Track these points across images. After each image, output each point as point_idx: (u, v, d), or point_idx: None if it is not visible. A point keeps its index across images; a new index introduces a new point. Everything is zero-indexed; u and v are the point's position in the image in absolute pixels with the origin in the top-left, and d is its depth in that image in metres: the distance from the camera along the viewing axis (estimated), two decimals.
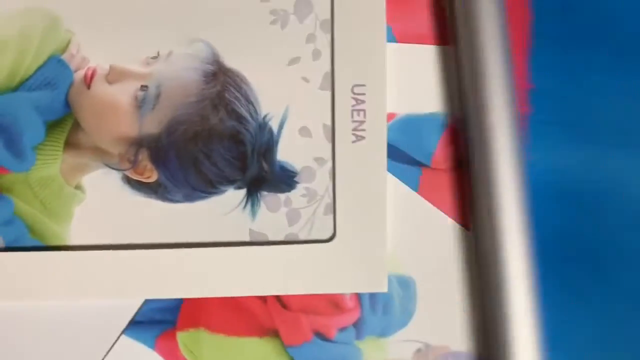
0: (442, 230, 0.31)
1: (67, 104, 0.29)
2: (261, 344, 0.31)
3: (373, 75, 0.30)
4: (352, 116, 0.30)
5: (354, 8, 0.30)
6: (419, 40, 0.31)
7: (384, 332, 0.31)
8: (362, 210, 0.30)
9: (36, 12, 0.29)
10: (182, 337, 0.31)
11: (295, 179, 0.30)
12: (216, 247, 0.30)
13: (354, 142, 0.30)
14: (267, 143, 0.30)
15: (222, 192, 0.30)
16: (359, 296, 0.31)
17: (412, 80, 0.31)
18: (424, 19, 0.31)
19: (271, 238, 0.30)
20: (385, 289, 0.30)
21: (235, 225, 0.30)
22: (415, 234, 0.31)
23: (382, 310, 0.31)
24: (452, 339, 0.31)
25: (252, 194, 0.30)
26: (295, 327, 0.31)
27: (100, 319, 0.30)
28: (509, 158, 0.29)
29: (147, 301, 0.30)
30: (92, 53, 0.29)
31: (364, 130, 0.30)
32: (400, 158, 0.31)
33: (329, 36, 0.30)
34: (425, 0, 0.31)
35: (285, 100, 0.30)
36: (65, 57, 0.29)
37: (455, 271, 0.31)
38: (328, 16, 0.30)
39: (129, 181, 0.30)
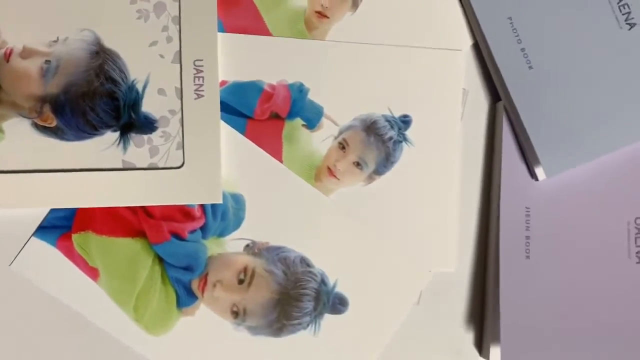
0: (261, 161, 0.44)
1: None
2: (133, 242, 0.43)
3: (208, 54, 0.43)
4: (195, 81, 0.43)
5: (194, 8, 0.43)
6: (242, 31, 0.44)
7: (222, 233, 0.44)
8: (203, 147, 0.43)
9: None
10: (76, 238, 0.43)
11: (155, 124, 0.43)
12: (98, 172, 0.42)
13: (196, 99, 0.43)
14: (134, 99, 0.43)
15: (103, 134, 0.42)
16: (204, 207, 0.44)
17: (238, 59, 0.44)
18: (245, 16, 0.44)
19: (138, 166, 0.43)
20: (220, 201, 0.43)
21: (112, 157, 0.42)
22: (243, 164, 0.44)
23: (220, 217, 0.44)
24: (271, 237, 0.44)
25: (124, 135, 0.43)
26: (157, 230, 0.43)
27: (15, 224, 0.42)
28: None
29: (51, 210, 0.42)
30: (10, 37, 0.42)
31: (203, 91, 0.43)
32: (231, 111, 0.44)
33: (177, 27, 0.43)
34: (246, 2, 0.44)
35: (147, 70, 0.43)
36: None
37: (271, 189, 0.44)
38: (177, 14, 0.43)
39: (36, 126, 0.42)
